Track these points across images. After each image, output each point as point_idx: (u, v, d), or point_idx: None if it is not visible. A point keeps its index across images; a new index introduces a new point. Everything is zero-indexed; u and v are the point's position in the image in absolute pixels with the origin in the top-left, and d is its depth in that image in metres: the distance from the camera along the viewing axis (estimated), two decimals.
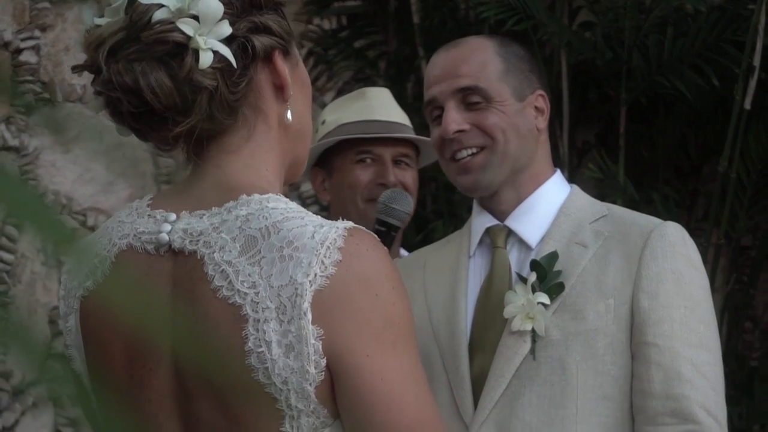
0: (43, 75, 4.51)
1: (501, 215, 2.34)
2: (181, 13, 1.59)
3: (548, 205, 2.33)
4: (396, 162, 3.04)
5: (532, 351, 2.21)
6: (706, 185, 4.68)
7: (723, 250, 4.45)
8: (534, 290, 2.22)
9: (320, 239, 1.58)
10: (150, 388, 1.66)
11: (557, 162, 4.58)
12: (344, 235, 1.60)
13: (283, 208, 1.63)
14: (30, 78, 4.49)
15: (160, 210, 1.69)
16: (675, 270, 2.21)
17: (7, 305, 4.26)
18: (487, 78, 2.30)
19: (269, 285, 1.58)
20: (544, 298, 2.21)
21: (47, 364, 4.47)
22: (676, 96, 4.43)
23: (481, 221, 2.36)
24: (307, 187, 4.88)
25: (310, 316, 1.57)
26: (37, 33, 4.53)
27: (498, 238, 2.33)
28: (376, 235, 1.65)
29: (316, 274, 1.57)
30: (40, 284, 4.43)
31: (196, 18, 1.60)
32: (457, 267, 2.35)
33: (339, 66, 4.95)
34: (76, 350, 1.75)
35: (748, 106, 4.14)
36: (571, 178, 4.62)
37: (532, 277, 2.22)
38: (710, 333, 2.22)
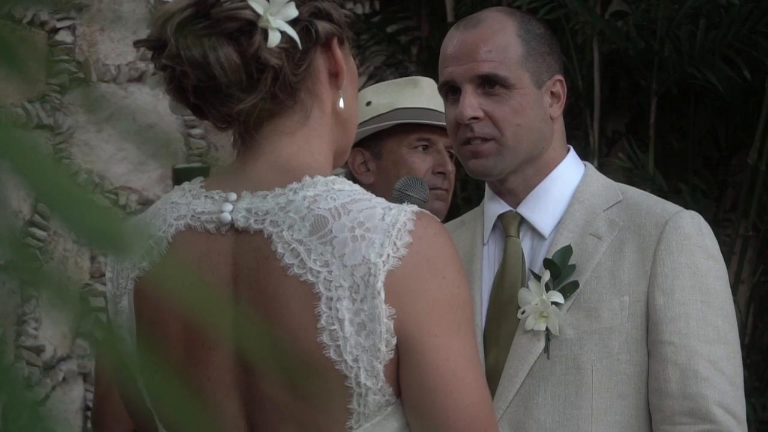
0: (78, 55, 4.54)
1: (512, 200, 2.29)
2: None
3: (561, 190, 2.27)
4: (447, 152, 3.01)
5: (546, 350, 2.18)
6: (735, 176, 4.68)
7: (751, 241, 4.46)
8: (548, 289, 2.18)
9: (391, 221, 1.62)
10: (208, 367, 1.68)
11: (588, 151, 4.60)
12: (413, 219, 1.63)
13: (349, 189, 1.66)
14: (65, 57, 4.52)
15: (218, 190, 1.70)
16: (691, 264, 2.17)
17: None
18: (507, 64, 2.23)
19: (342, 264, 1.61)
20: (558, 297, 2.17)
21: (75, 343, 4.50)
22: (707, 87, 4.43)
23: (493, 207, 2.31)
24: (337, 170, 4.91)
25: (383, 295, 1.60)
26: (72, 13, 4.55)
27: (510, 226, 2.27)
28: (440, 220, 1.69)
29: (388, 255, 1.61)
30: (71, 262, 4.47)
31: None
32: (471, 256, 2.30)
33: (371, 51, 4.95)
34: (128, 332, 1.75)
35: None
36: (600, 168, 4.65)
37: (546, 276, 2.18)
38: (728, 325, 2.19)
